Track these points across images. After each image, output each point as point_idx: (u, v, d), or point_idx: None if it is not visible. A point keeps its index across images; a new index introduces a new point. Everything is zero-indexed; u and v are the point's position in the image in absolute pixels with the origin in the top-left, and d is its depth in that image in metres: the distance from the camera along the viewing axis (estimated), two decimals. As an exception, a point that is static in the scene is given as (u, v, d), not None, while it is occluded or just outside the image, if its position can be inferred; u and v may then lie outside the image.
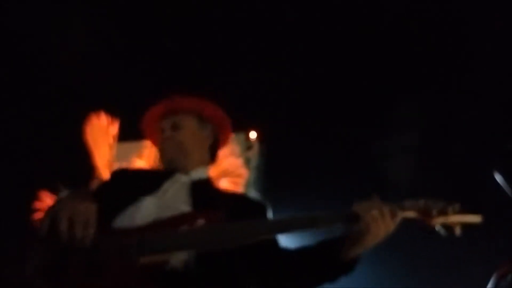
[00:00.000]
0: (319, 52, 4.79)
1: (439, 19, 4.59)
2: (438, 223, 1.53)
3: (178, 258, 1.41)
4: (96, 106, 4.69)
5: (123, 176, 1.86)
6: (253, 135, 5.02)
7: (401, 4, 4.54)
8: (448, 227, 1.52)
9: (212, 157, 1.96)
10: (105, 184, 1.90)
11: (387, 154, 4.43)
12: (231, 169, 4.56)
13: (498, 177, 2.14)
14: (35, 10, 4.56)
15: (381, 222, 1.47)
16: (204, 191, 1.73)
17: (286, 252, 1.66)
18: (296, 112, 4.86)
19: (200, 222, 1.44)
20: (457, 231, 1.52)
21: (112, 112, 4.67)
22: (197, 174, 1.81)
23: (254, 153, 5.07)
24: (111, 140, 4.65)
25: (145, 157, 4.51)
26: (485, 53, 4.37)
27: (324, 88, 4.84)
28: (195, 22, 4.79)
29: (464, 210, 1.53)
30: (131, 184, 1.72)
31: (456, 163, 4.24)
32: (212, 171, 2.00)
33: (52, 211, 1.40)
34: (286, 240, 1.71)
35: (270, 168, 4.98)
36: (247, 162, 4.96)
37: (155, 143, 2.03)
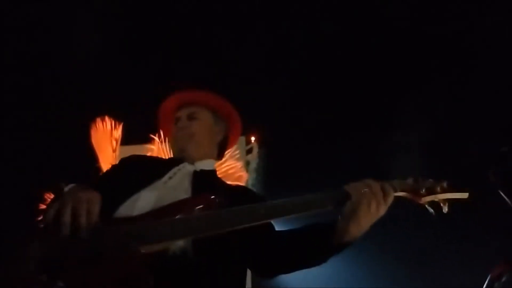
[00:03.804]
0: (319, 57, 4.83)
1: (444, 22, 4.62)
2: (427, 201, 1.53)
3: (176, 245, 1.42)
4: (100, 111, 4.72)
5: (131, 163, 1.86)
6: (253, 139, 5.07)
7: (407, 3, 4.57)
8: (437, 205, 1.52)
9: (219, 154, 2.00)
10: (112, 171, 1.90)
11: (386, 156, 4.45)
12: (231, 172, 4.59)
13: (493, 179, 2.16)
14: (41, 15, 4.60)
15: (372, 198, 1.44)
16: (206, 181, 1.75)
17: (280, 234, 1.67)
18: (294, 117, 4.90)
19: (197, 208, 1.46)
20: (445, 208, 1.51)
21: (116, 116, 4.70)
22: (203, 165, 1.83)
23: (253, 156, 5.12)
24: (115, 144, 4.69)
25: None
26: (486, 55, 4.40)
27: (321, 93, 4.88)
28: (198, 30, 4.83)
29: (452, 188, 1.52)
30: (136, 172, 1.73)
31: (451, 165, 4.27)
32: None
33: (56, 203, 1.41)
34: (281, 223, 1.73)
35: (269, 171, 5.01)
36: (246, 165, 5.00)
37: (167, 132, 2.05)
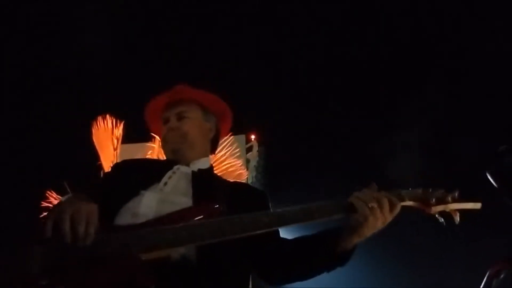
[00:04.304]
0: (318, 57, 4.85)
1: (444, 22, 4.63)
2: (437, 211, 1.49)
3: (177, 252, 1.42)
4: (102, 109, 4.74)
5: (124, 168, 1.82)
6: (253, 137, 5.11)
7: (407, 3, 4.58)
8: (447, 215, 1.49)
9: (212, 149, 1.94)
10: (107, 177, 1.87)
11: (385, 155, 4.47)
12: (231, 170, 4.62)
13: (491, 179, 2.16)
14: (42, 15, 4.62)
15: (379, 214, 1.41)
16: (205, 181, 1.72)
17: (284, 241, 1.66)
18: (294, 116, 4.93)
19: (199, 217, 1.44)
20: (457, 218, 1.48)
21: (117, 115, 4.72)
22: (199, 164, 1.80)
23: (253, 155, 5.15)
24: (116, 142, 4.71)
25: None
26: (485, 56, 4.41)
27: (321, 92, 4.90)
28: (199, 30, 4.85)
29: (463, 198, 1.50)
30: (132, 177, 1.70)
31: (450, 165, 4.29)
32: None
33: (54, 213, 1.38)
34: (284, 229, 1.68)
35: (268, 169, 5.05)
36: (246, 163, 5.03)
37: (158, 132, 1.99)
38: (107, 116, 4.73)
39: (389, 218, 1.44)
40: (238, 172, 4.70)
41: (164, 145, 1.86)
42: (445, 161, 4.40)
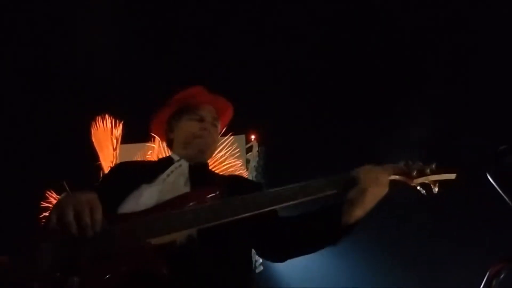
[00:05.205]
0: (318, 58, 4.85)
1: (444, 21, 4.63)
2: (418, 183, 1.59)
3: (183, 235, 1.45)
4: (101, 109, 4.74)
5: (123, 169, 1.85)
6: (252, 137, 5.12)
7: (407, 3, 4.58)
8: (427, 186, 1.58)
9: None
10: (106, 178, 1.90)
11: (384, 154, 4.47)
12: (231, 170, 4.63)
13: (491, 179, 2.16)
14: (42, 15, 4.62)
15: (380, 184, 1.52)
16: (202, 174, 1.78)
17: (289, 218, 1.69)
18: (294, 116, 4.93)
19: (200, 200, 1.48)
20: (435, 189, 1.57)
21: (117, 115, 4.72)
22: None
23: (253, 155, 5.16)
24: (115, 142, 4.71)
25: (149, 158, 4.56)
26: (485, 57, 4.42)
27: (321, 93, 4.90)
28: (199, 30, 4.85)
29: (440, 169, 1.59)
30: (132, 175, 1.73)
31: (450, 164, 4.28)
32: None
33: (55, 210, 1.40)
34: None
35: (268, 169, 5.05)
36: (246, 163, 5.04)
37: (167, 114, 1.95)
38: (106, 116, 4.73)
39: (387, 187, 1.53)
40: (238, 172, 4.71)
41: (192, 140, 1.84)
42: (445, 161, 4.39)
